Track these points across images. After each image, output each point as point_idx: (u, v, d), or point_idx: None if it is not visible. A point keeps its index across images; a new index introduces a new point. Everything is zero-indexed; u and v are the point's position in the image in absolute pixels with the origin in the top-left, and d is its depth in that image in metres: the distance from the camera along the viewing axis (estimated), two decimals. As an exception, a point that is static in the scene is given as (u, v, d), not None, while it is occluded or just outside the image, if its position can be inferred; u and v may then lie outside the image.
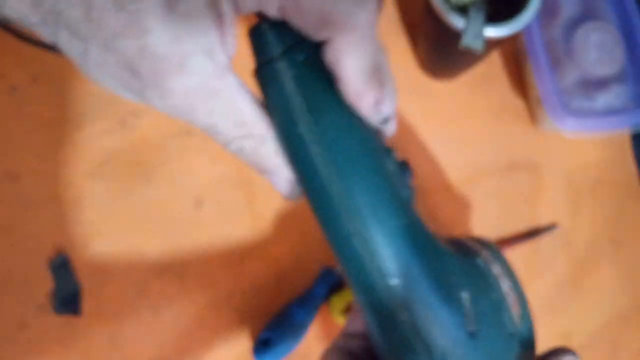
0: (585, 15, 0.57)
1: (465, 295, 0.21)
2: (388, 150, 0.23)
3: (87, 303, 0.51)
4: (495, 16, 0.49)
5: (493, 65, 0.61)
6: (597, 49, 0.56)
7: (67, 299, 0.51)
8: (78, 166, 0.54)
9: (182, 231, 0.54)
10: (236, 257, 0.53)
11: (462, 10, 0.47)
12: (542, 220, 0.57)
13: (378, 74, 0.22)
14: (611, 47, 0.56)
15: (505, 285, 0.23)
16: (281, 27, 0.21)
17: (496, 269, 0.24)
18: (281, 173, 0.23)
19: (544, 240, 0.57)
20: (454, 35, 0.45)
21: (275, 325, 0.50)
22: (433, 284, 0.20)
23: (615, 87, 0.55)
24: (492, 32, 0.44)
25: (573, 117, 0.52)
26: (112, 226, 0.53)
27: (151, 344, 0.51)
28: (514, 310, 0.23)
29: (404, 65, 0.60)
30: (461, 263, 0.22)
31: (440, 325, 0.20)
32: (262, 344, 0.49)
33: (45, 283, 0.51)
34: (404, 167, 0.23)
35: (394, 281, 0.20)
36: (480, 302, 0.21)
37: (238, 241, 0.54)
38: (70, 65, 0.52)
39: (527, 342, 0.24)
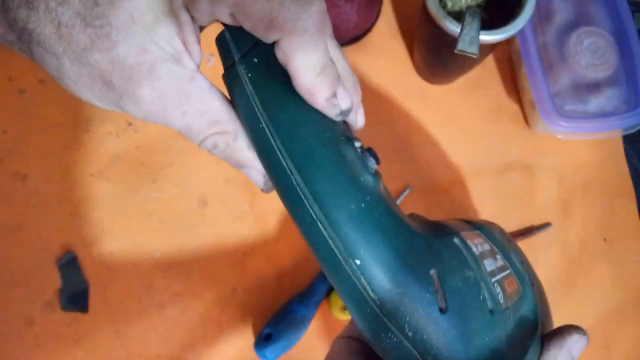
0: (579, 20, 0.58)
1: (433, 273, 0.22)
2: (350, 139, 0.24)
3: (94, 300, 0.52)
4: (490, 22, 0.50)
5: (488, 70, 0.62)
6: (590, 53, 0.57)
7: (75, 296, 0.52)
8: (85, 167, 0.55)
9: (187, 230, 0.55)
10: (239, 255, 0.54)
11: (458, 16, 0.48)
12: (536, 219, 0.59)
13: (329, 70, 0.23)
14: (604, 51, 0.57)
15: (492, 264, 0.24)
16: (240, 32, 0.23)
17: (482, 248, 0.25)
18: (255, 166, 0.25)
19: (537, 239, 0.58)
20: (450, 40, 0.46)
21: (277, 321, 0.51)
22: (397, 262, 0.21)
23: (608, 90, 0.56)
24: (487, 37, 0.45)
25: (566, 120, 0.54)
26: (118, 225, 0.54)
27: (157, 340, 0.52)
28: (510, 289, 0.24)
29: (401, 70, 0.61)
30: (430, 243, 0.23)
31: (408, 303, 0.21)
32: (264, 339, 0.50)
33: (53, 281, 0.52)
34: (368, 154, 0.24)
35: (357, 262, 0.21)
36: (451, 279, 0.22)
37: (241, 240, 0.55)
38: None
39: (526, 321, 0.25)
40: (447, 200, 0.58)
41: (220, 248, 0.54)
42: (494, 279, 0.24)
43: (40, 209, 0.54)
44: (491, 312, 0.22)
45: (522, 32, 0.55)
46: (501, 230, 0.30)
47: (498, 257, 0.26)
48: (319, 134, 0.22)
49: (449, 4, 0.50)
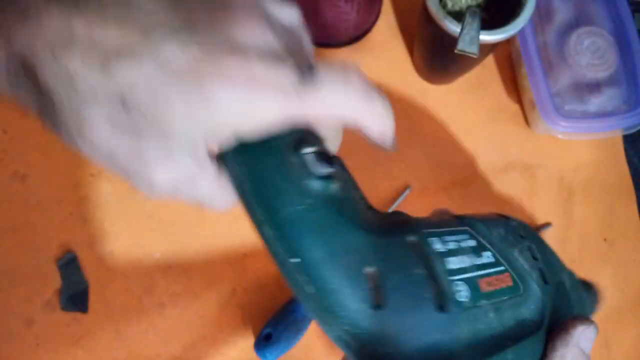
0: (579, 20, 0.58)
1: (370, 271, 0.22)
2: (298, 147, 0.24)
3: (94, 300, 0.52)
4: (490, 21, 0.50)
5: (488, 70, 0.62)
6: (590, 53, 0.57)
7: (74, 296, 0.52)
8: (85, 167, 0.55)
9: (187, 230, 0.55)
10: (239, 255, 0.54)
11: (458, 15, 0.48)
12: (537, 219, 0.59)
13: (390, 112, 0.24)
14: (604, 51, 0.57)
15: (466, 261, 0.25)
16: None
17: (458, 245, 0.25)
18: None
19: (538, 239, 0.58)
20: (450, 40, 0.46)
21: (277, 321, 0.51)
22: (329, 261, 0.22)
23: (608, 90, 0.56)
24: (487, 37, 0.45)
25: (566, 120, 0.54)
26: (118, 225, 0.54)
27: (156, 340, 0.52)
28: (491, 287, 0.24)
29: (401, 70, 0.61)
30: (376, 242, 0.23)
31: (341, 299, 0.22)
32: (264, 339, 0.50)
33: (53, 280, 0.52)
34: (317, 160, 0.25)
35: (295, 260, 0.22)
36: (392, 277, 0.23)
37: (241, 240, 0.55)
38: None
39: (524, 320, 0.25)
40: (447, 200, 0.58)
41: (220, 248, 0.54)
42: (460, 277, 0.24)
43: (40, 209, 0.54)
44: (442, 309, 0.23)
45: (522, 32, 0.55)
46: (510, 225, 0.29)
47: (485, 254, 0.26)
48: (266, 143, 0.24)
49: (449, 4, 0.50)
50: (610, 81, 0.56)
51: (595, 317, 0.56)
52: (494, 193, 0.59)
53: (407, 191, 0.57)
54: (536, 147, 0.60)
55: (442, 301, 0.23)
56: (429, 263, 0.24)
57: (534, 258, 0.28)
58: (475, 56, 0.42)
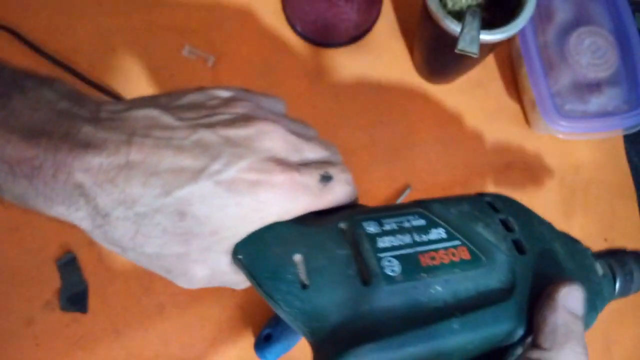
0: (579, 20, 0.58)
1: (298, 256, 0.26)
2: None
3: (93, 300, 0.52)
4: (491, 21, 0.50)
5: (488, 69, 0.62)
6: (591, 53, 0.57)
7: (74, 297, 0.52)
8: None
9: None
10: (239, 255, 0.54)
11: (458, 15, 0.48)
12: (537, 219, 0.58)
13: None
14: (604, 51, 0.57)
15: (406, 239, 0.27)
16: None
17: (401, 225, 0.27)
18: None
19: (538, 239, 0.58)
20: (450, 40, 0.46)
21: (277, 321, 0.50)
22: (265, 250, 0.26)
23: (609, 90, 0.56)
24: (488, 36, 0.45)
25: (567, 120, 0.54)
26: (118, 225, 0.54)
27: (156, 340, 0.52)
28: (429, 262, 0.26)
29: (401, 70, 0.61)
30: (304, 231, 0.27)
31: (277, 283, 0.25)
32: (264, 339, 0.50)
33: (52, 281, 0.52)
34: None
35: (240, 256, 0.26)
36: (315, 260, 0.26)
37: (241, 240, 0.55)
38: (74, 68, 0.54)
39: (486, 290, 0.26)
40: (447, 200, 0.58)
41: (220, 248, 0.54)
42: (391, 253, 0.26)
43: (39, 209, 0.54)
44: (366, 284, 0.25)
45: (522, 31, 0.55)
46: (480, 201, 0.31)
47: (436, 230, 0.28)
48: None
49: (450, 4, 0.50)
50: (611, 81, 0.56)
51: (597, 319, 0.56)
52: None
53: (407, 191, 0.57)
54: (536, 147, 0.60)
55: (367, 276, 0.25)
56: (355, 244, 0.26)
57: (509, 230, 0.29)
58: (475, 56, 0.42)
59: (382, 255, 0.26)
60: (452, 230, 0.28)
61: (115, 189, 0.23)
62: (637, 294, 0.57)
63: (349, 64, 0.60)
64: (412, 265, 0.26)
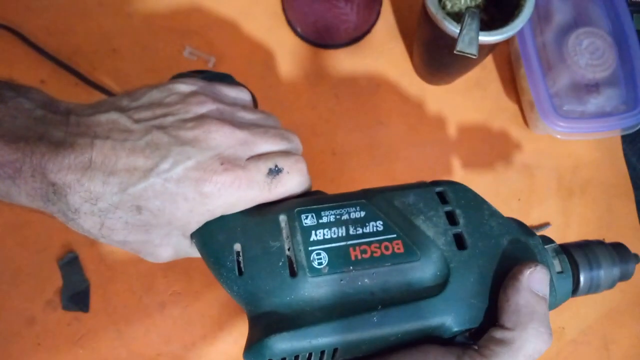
0: (578, 21, 0.58)
1: (238, 245, 0.28)
2: None
3: (95, 299, 0.53)
4: (489, 22, 0.50)
5: (487, 70, 0.62)
6: (589, 54, 0.57)
7: (76, 296, 0.52)
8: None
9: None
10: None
11: (457, 16, 0.48)
12: (535, 219, 0.59)
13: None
14: (603, 52, 0.57)
15: (341, 231, 0.29)
16: None
17: (339, 217, 0.29)
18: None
19: (537, 239, 0.58)
20: (449, 41, 0.46)
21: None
22: (211, 239, 0.29)
23: (607, 90, 0.56)
24: (486, 38, 0.45)
25: (565, 120, 0.54)
26: (119, 225, 0.54)
27: (157, 339, 0.52)
28: (359, 255, 0.28)
29: (401, 71, 0.61)
30: (245, 223, 0.29)
31: (218, 268, 0.28)
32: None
33: (54, 280, 0.53)
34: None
35: (194, 241, 0.30)
36: (250, 250, 0.28)
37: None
38: (75, 69, 0.54)
39: (416, 283, 0.28)
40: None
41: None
42: (322, 246, 0.28)
43: (41, 209, 0.54)
44: (293, 275, 0.27)
45: (521, 32, 0.55)
46: (429, 192, 0.31)
47: (374, 223, 0.29)
48: None
49: (448, 5, 0.50)
50: (609, 82, 0.57)
51: (595, 317, 0.57)
52: (492, 193, 0.59)
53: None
54: (535, 148, 0.61)
55: (295, 268, 0.27)
56: (290, 236, 0.28)
57: (453, 223, 0.30)
58: (474, 57, 0.42)
59: (312, 248, 0.28)
60: (390, 224, 0.29)
61: (81, 188, 0.26)
62: (636, 293, 0.58)
63: (349, 65, 0.61)
64: (340, 259, 0.28)
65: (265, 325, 0.26)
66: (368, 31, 0.61)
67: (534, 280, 0.27)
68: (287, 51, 0.61)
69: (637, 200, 0.61)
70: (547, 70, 0.56)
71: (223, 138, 0.29)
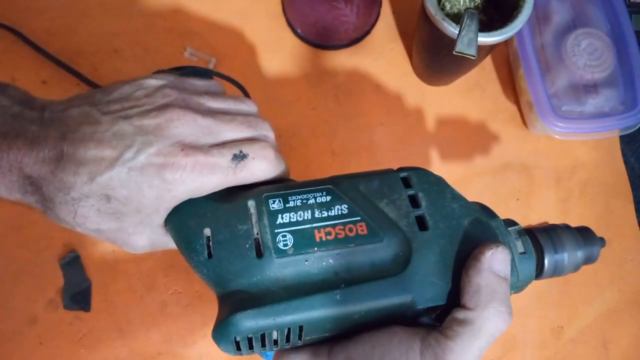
0: (576, 22, 0.58)
1: (207, 230, 0.29)
2: None
3: (96, 299, 0.53)
4: (488, 23, 0.50)
5: (486, 71, 0.62)
6: (588, 54, 0.57)
7: (77, 295, 0.52)
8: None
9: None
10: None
11: (456, 17, 0.48)
12: (534, 219, 0.59)
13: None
14: (601, 53, 0.57)
15: (307, 214, 0.30)
16: None
17: (305, 201, 0.30)
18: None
19: (536, 239, 0.58)
20: (448, 42, 0.46)
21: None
22: (181, 224, 0.30)
23: (606, 91, 0.57)
24: (485, 38, 0.46)
25: (564, 121, 0.54)
26: (120, 225, 0.54)
27: (159, 338, 0.53)
28: (324, 237, 0.29)
29: (400, 71, 0.62)
30: (215, 208, 0.30)
31: (189, 252, 0.29)
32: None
33: (56, 279, 0.53)
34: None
35: (167, 227, 0.31)
36: (219, 233, 0.29)
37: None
38: (77, 69, 0.54)
39: (379, 263, 0.28)
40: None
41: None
42: (287, 229, 0.29)
43: (42, 208, 0.54)
44: (259, 256, 0.28)
45: (520, 33, 0.55)
46: (393, 177, 0.32)
47: (339, 207, 0.30)
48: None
49: (448, 6, 0.50)
50: (608, 82, 0.57)
51: (593, 317, 0.57)
52: (491, 193, 0.59)
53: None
54: (534, 148, 0.61)
55: (261, 249, 0.28)
56: (258, 220, 0.29)
57: (415, 205, 0.31)
58: (473, 58, 0.42)
59: (278, 230, 0.29)
60: (354, 207, 0.30)
61: (54, 178, 0.28)
62: (634, 293, 0.58)
63: (349, 65, 0.61)
64: (305, 240, 0.29)
65: (231, 304, 0.27)
66: (368, 32, 0.62)
67: (495, 261, 0.27)
68: (287, 52, 0.61)
69: (636, 200, 0.61)
70: (546, 71, 0.56)
71: (185, 125, 0.30)
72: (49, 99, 0.31)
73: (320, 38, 0.61)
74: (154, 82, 0.33)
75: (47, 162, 0.28)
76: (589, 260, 0.33)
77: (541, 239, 0.32)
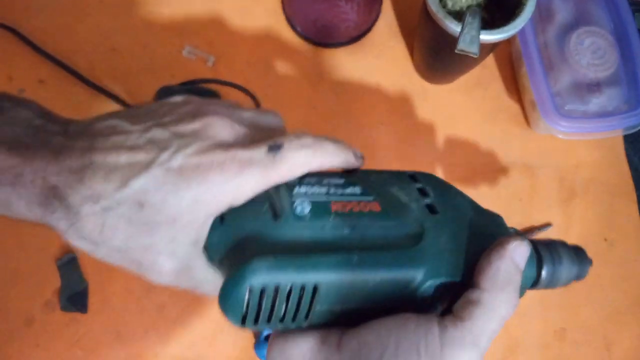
0: (579, 20, 0.58)
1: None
2: None
3: (93, 300, 0.53)
4: (491, 21, 0.50)
5: (488, 69, 0.62)
6: (591, 53, 0.57)
7: (74, 297, 0.52)
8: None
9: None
10: (239, 255, 0.54)
11: (458, 15, 0.48)
12: (537, 219, 0.59)
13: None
14: (604, 51, 0.57)
15: (305, 189, 0.30)
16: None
17: (304, 182, 0.30)
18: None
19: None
20: (450, 40, 0.46)
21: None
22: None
23: (609, 90, 0.56)
24: (488, 36, 0.45)
25: (567, 120, 0.54)
26: (118, 225, 0.54)
27: (156, 340, 0.52)
28: (340, 209, 0.29)
29: (401, 70, 0.61)
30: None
31: None
32: (264, 340, 0.50)
33: (53, 281, 0.52)
34: None
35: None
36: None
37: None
38: (74, 68, 0.54)
39: (380, 238, 0.29)
40: (447, 200, 0.58)
41: (220, 248, 0.54)
42: (304, 199, 0.29)
43: (39, 209, 0.54)
44: (276, 218, 0.28)
45: (522, 31, 0.55)
46: (402, 174, 0.33)
47: (352, 188, 0.31)
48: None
49: (450, 4, 0.50)
50: (611, 81, 0.57)
51: (596, 317, 0.56)
52: (494, 193, 0.59)
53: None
54: (536, 147, 0.60)
55: (277, 212, 0.28)
56: (275, 190, 0.29)
57: (424, 195, 0.32)
58: (475, 56, 0.42)
59: (295, 199, 0.29)
60: (367, 189, 0.31)
61: (82, 187, 0.26)
62: (637, 294, 0.57)
63: (349, 64, 0.61)
64: (322, 209, 0.29)
65: (249, 250, 0.26)
66: (368, 30, 0.61)
67: (517, 253, 0.28)
68: (287, 50, 0.60)
69: (639, 200, 0.60)
70: (549, 70, 0.56)
71: (222, 127, 0.29)
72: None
73: (320, 36, 0.60)
74: (179, 98, 0.32)
75: (74, 170, 0.26)
76: (579, 277, 0.34)
77: (541, 250, 0.32)
